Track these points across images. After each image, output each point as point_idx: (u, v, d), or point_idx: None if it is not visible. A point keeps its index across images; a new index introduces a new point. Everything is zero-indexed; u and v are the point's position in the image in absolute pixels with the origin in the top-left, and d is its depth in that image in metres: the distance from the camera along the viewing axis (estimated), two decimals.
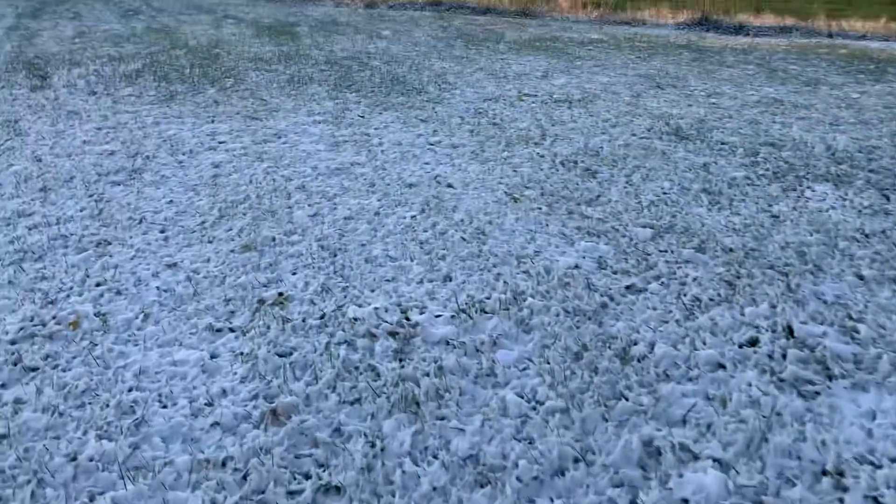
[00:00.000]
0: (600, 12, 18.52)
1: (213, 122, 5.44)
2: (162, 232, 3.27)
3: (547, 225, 3.56)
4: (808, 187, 4.30)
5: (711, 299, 2.81)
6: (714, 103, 6.84)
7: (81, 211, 3.47)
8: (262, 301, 2.64)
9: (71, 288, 2.68)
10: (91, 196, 3.69)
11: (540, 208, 3.80)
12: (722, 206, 3.91)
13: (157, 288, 2.70)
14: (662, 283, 2.95)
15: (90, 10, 14.48)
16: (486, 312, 2.61)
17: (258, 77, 7.35)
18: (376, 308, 2.60)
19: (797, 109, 6.63)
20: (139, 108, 5.79)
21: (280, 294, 2.69)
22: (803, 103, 6.93)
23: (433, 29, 13.10)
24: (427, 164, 4.59)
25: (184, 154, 4.53)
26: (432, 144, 5.06)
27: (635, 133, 5.52)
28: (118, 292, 2.66)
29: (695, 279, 2.98)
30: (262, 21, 13.49)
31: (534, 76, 8.22)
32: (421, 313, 2.58)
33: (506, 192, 4.06)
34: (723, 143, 5.25)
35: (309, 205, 3.73)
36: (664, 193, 4.10)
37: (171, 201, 3.68)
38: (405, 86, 7.18)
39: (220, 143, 4.86)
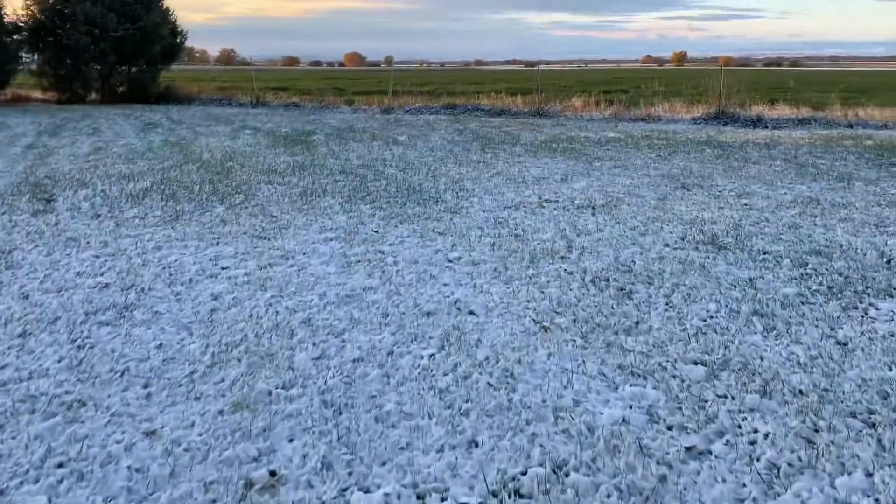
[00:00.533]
0: (614, 110, 18.59)
1: (217, 243, 5.14)
2: (145, 387, 2.86)
3: (584, 362, 3.12)
4: (871, 304, 3.84)
5: (791, 465, 2.32)
6: (746, 204, 6.48)
7: (59, 362, 3.09)
8: (249, 484, 2.20)
9: (27, 472, 2.26)
10: (73, 341, 3.32)
11: (574, 340, 3.37)
12: (779, 332, 3.45)
13: (129, 468, 2.27)
14: (728, 442, 2.47)
15: (111, 125, 14.71)
16: (521, 497, 2.14)
17: (270, 191, 7.13)
18: (387, 494, 2.14)
19: (836, 209, 6.23)
20: (142, 231, 5.53)
21: (272, 474, 2.25)
22: (841, 202, 6.54)
23: (449, 132, 13.08)
24: (446, 285, 4.21)
25: (182, 284, 4.19)
26: (451, 261, 4.70)
27: (668, 243, 5.13)
28: (81, 476, 2.24)
29: (766, 436, 2.50)
30: (279, 130, 13.58)
31: (553, 179, 7.96)
32: (442, 501, 2.12)
33: (534, 320, 3.64)
34: (765, 253, 4.83)
35: (313, 344, 3.33)
36: (711, 317, 3.66)
37: (160, 345, 3.30)
38: (421, 195, 6.92)
39: (223, 268, 4.53)
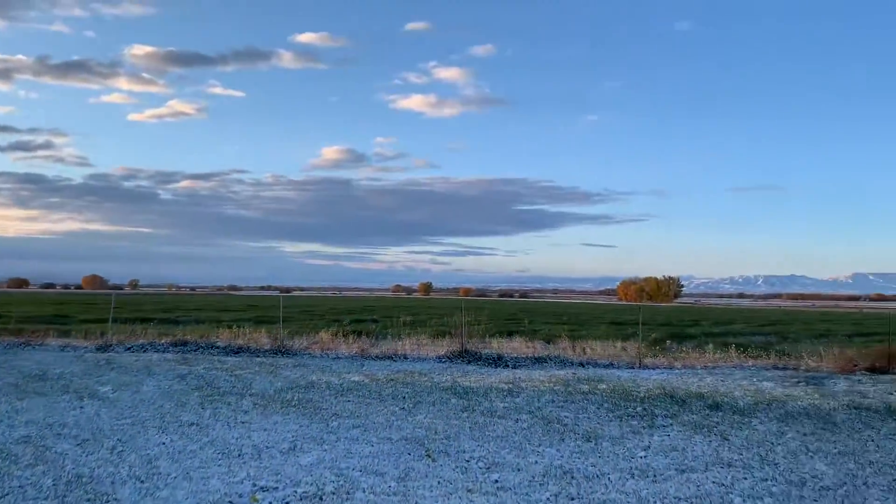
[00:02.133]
0: (361, 346, 17.97)
1: None
2: None
3: None
4: None
5: None
6: (497, 483, 5.61)
7: None
8: None
9: None
10: None
11: None
12: None
13: None
14: None
15: None
16: None
17: None
18: None
19: (592, 485, 5.58)
20: None
21: None
22: (594, 472, 5.95)
23: (168, 379, 11.23)
24: None
25: None
26: None
27: None
28: None
29: None
30: None
31: (278, 450, 6.59)
32: None
33: None
34: None
35: None
36: None
37: None
38: (87, 492, 5.12)
39: None
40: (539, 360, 16.36)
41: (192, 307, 50.32)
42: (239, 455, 6.40)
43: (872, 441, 7.16)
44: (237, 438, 7.07)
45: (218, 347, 17.25)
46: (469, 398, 9.78)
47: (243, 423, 7.91)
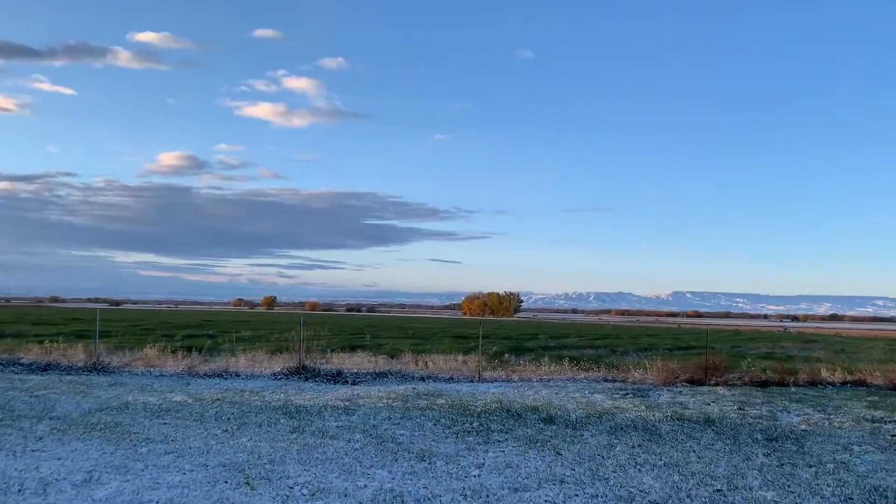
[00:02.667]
0: (189, 362, 16.71)
1: None
2: None
3: None
4: None
5: None
6: None
7: None
8: None
9: None
10: None
11: None
12: None
13: None
14: None
15: None
16: None
17: None
18: None
19: None
20: None
21: None
22: (426, 495, 5.65)
23: None
24: None
25: None
26: None
27: None
28: None
29: None
30: None
31: (69, 483, 5.73)
32: None
33: None
34: None
35: None
36: None
37: None
38: None
39: None
40: (380, 376, 15.99)
41: (0, 320, 45.22)
42: (19, 490, 5.48)
43: (694, 452, 7.43)
44: (21, 470, 6.10)
45: (21, 364, 15.39)
46: (301, 418, 9.21)
47: (34, 451, 6.88)
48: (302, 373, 15.60)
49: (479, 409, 10.10)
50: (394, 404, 10.59)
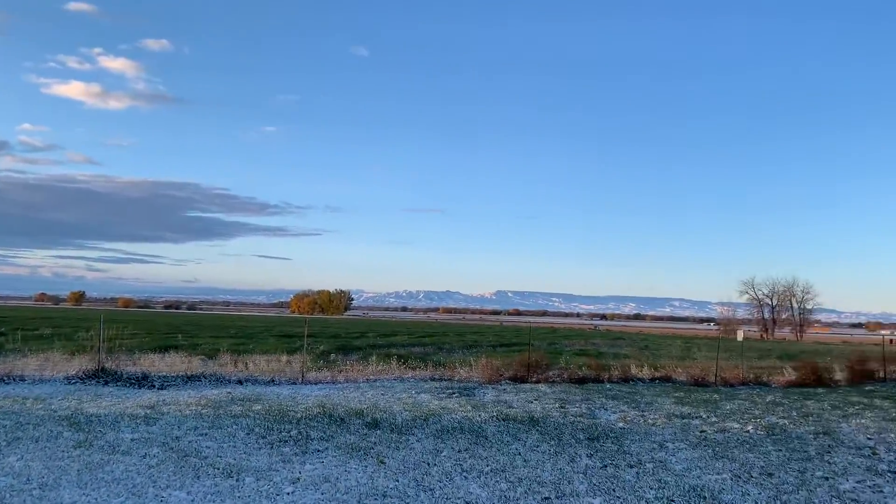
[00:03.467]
0: None
1: None
2: None
3: None
4: None
5: None
6: None
7: None
8: None
9: None
10: None
11: None
12: None
13: None
14: None
15: None
16: None
17: None
18: None
19: None
20: None
21: None
22: None
23: None
24: None
25: None
26: None
27: None
28: None
29: None
30: None
31: None
32: None
33: None
34: None
35: None
36: None
37: None
38: None
39: None
40: (192, 379, 14.68)
41: None
42: None
43: (520, 455, 7.25)
44: None
45: None
46: (89, 430, 8.01)
47: None
48: (101, 376, 13.96)
49: (299, 415, 9.39)
50: (203, 411, 9.59)
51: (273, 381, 14.91)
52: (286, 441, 7.70)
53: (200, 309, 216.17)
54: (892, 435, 8.99)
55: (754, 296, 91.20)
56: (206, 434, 7.98)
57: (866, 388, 15.35)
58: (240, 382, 14.49)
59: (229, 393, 11.95)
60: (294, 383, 14.50)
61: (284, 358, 20.28)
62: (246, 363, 18.49)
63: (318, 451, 7.26)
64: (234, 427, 8.45)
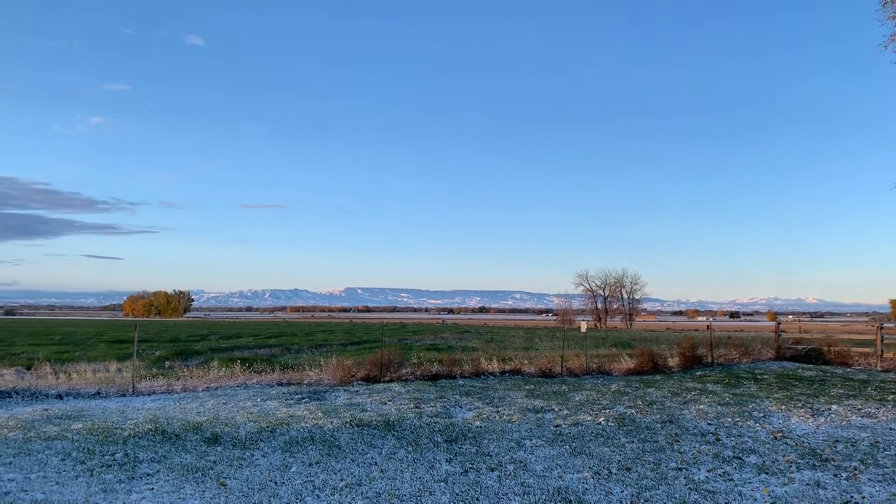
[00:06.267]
0: None
1: None
2: None
3: None
4: None
5: None
6: None
7: None
8: None
9: None
10: None
11: None
12: None
13: None
14: None
15: None
16: None
17: None
18: None
19: None
20: None
21: None
22: None
23: None
24: None
25: None
26: None
27: None
28: None
29: None
30: None
31: None
32: None
33: None
34: None
35: None
36: None
37: None
38: None
39: None
40: (2, 396, 12.91)
41: None
42: None
43: (376, 465, 6.80)
44: None
45: None
46: None
47: None
48: None
49: (126, 433, 8.38)
50: (10, 435, 8.33)
51: (99, 393, 13.46)
52: (109, 466, 6.76)
53: (20, 314, 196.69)
54: (729, 419, 9.47)
55: (588, 287, 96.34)
56: (9, 464, 6.85)
57: (697, 374, 16.35)
58: (59, 397, 12.94)
59: (45, 410, 10.56)
60: (124, 395, 13.17)
61: (114, 366, 18.54)
62: (69, 374, 16.69)
63: (148, 475, 6.41)
64: (47, 452, 7.34)
